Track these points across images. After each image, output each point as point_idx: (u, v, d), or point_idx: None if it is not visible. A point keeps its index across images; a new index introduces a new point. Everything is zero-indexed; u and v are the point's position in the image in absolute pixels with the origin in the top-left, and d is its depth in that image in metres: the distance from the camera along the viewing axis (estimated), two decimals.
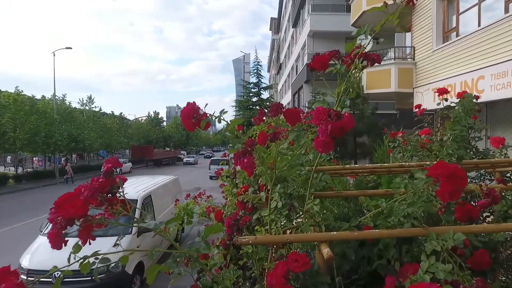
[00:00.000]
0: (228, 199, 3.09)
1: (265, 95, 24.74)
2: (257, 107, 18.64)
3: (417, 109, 2.67)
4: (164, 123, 63.93)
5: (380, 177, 3.24)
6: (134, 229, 5.93)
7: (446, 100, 2.24)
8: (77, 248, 1.02)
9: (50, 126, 25.71)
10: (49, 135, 25.33)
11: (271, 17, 50.23)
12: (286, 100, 33.03)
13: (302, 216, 1.40)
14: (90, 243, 0.97)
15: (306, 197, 1.41)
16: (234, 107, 19.94)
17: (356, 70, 1.23)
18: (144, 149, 41.05)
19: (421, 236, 1.20)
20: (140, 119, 54.67)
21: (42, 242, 5.64)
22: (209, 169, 26.06)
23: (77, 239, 0.93)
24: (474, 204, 1.59)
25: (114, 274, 5.14)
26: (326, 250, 1.15)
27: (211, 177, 24.37)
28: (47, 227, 6.04)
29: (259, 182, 1.57)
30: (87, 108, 39.84)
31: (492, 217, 1.64)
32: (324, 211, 1.48)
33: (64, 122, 28.76)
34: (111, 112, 46.27)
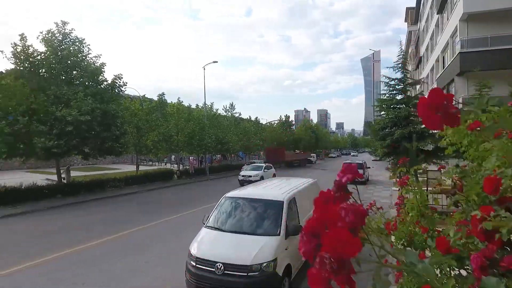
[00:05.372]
0: (410, 214, 2.59)
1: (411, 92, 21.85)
2: (403, 105, 16.60)
3: None
4: (293, 126, 65.59)
5: None
6: (282, 231, 5.99)
7: None
8: None
9: (202, 130, 30.03)
10: (201, 137, 29.64)
11: (406, 7, 44.40)
12: None
13: None
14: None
15: None
16: (375, 107, 18.29)
17: None
18: (277, 151, 43.07)
19: None
20: (272, 122, 57.82)
21: (205, 233, 6.37)
22: None
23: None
24: None
25: (266, 274, 5.26)
26: None
27: None
28: (208, 220, 6.78)
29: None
30: (230, 114, 44.85)
31: None
32: None
33: (212, 126, 33.14)
34: (248, 117, 50.66)
